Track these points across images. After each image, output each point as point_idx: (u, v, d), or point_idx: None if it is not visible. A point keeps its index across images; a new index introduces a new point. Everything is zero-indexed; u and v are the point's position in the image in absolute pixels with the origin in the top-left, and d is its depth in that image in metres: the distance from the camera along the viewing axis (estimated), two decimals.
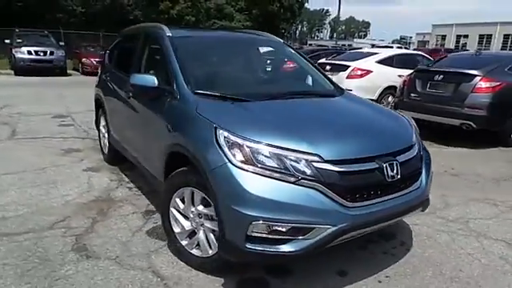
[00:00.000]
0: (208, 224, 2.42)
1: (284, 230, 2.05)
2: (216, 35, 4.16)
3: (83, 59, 16.13)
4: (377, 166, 2.21)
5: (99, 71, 5.05)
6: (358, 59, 8.53)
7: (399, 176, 2.28)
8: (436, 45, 46.71)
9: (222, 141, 2.17)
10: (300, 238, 2.06)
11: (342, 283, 2.49)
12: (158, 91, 2.89)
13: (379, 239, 3.01)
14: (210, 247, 2.45)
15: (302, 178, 2.04)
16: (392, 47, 23.32)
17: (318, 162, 2.08)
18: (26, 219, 3.19)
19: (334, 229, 2.06)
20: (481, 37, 45.03)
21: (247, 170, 2.06)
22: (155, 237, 3.00)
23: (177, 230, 2.64)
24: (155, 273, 2.52)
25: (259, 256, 2.11)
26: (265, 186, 2.03)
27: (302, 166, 2.06)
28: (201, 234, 2.50)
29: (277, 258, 2.17)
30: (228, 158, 2.11)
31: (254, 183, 2.04)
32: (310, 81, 3.47)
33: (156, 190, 3.77)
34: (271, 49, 3.87)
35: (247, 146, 2.11)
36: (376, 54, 8.76)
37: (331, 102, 3.05)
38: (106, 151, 4.69)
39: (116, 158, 4.52)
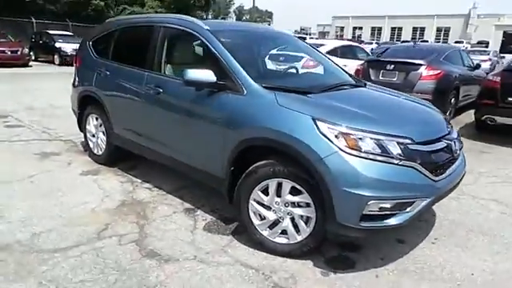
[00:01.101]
0: (299, 211, 2.54)
1: (390, 206, 2.31)
2: (245, 28, 4.11)
3: None
4: (447, 143, 2.60)
5: (77, 65, 4.60)
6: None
7: (458, 151, 2.71)
8: (336, 36, 50.78)
9: (326, 131, 2.32)
10: (404, 211, 2.35)
11: (404, 248, 2.85)
12: (215, 86, 2.85)
13: None
14: (298, 233, 2.58)
15: (402, 159, 2.31)
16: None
17: (411, 144, 2.37)
18: (62, 232, 2.88)
19: (428, 200, 2.40)
20: (372, 29, 50.23)
21: (357, 156, 2.26)
22: (217, 232, 2.99)
23: (257, 222, 2.70)
24: (245, 265, 2.57)
25: (369, 232, 2.35)
26: (375, 169, 2.25)
27: (399, 149, 2.32)
28: (286, 223, 2.61)
29: (382, 231, 2.43)
30: (338, 147, 2.27)
31: (365, 167, 2.25)
32: (337, 72, 3.73)
33: (187, 187, 3.73)
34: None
35: (352, 134, 2.30)
36: (323, 45, 9.37)
37: (374, 91, 3.38)
38: (99, 152, 4.33)
39: (114, 158, 4.24)
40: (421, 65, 6.79)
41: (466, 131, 6.58)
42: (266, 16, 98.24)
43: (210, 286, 2.34)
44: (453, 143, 2.67)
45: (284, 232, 2.64)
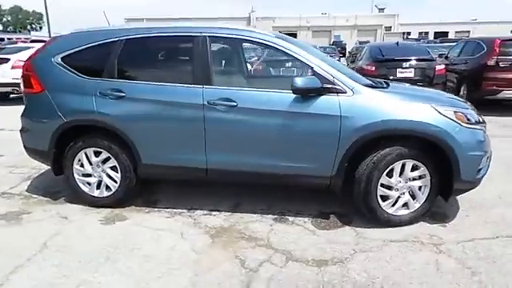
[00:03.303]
0: (417, 183, 3.07)
1: (488, 158, 3.15)
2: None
3: None
4: None
5: (35, 90, 3.48)
6: None
7: None
8: None
9: (446, 113, 2.93)
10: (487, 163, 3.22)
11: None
12: (320, 91, 2.98)
13: None
14: (416, 202, 3.12)
15: (480, 124, 3.15)
16: None
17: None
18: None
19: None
20: None
21: (469, 127, 2.97)
22: (335, 227, 3.16)
23: (383, 203, 3.08)
24: (395, 241, 2.93)
25: (479, 182, 3.11)
26: (479, 134, 3.03)
27: (477, 117, 3.15)
28: (406, 196, 3.10)
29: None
30: (458, 123, 2.92)
31: (475, 133, 3.00)
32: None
33: (241, 200, 3.60)
34: None
35: (459, 112, 2.99)
36: None
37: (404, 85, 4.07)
38: (104, 193, 3.50)
39: (131, 195, 3.56)
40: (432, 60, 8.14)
41: None
42: (35, 18, 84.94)
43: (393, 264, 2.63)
44: None
45: (405, 205, 3.12)
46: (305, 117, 3.03)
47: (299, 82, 2.90)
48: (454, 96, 3.68)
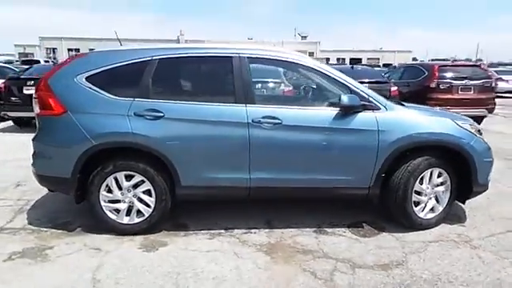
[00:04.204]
0: (441, 188, 3.45)
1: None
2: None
3: None
4: None
5: (56, 111, 3.20)
6: None
7: None
8: (49, 58, 45.77)
9: (464, 126, 3.40)
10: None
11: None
12: (360, 107, 3.24)
13: None
14: (440, 205, 3.50)
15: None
16: None
17: None
18: None
19: None
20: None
21: (480, 138, 3.46)
22: (374, 235, 3.39)
23: (416, 208, 3.40)
24: (433, 241, 3.24)
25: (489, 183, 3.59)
26: (487, 143, 3.52)
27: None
28: (432, 201, 3.47)
29: None
30: (474, 134, 3.40)
31: (485, 143, 3.49)
32: None
33: (288, 215, 3.69)
34: None
35: (472, 125, 3.48)
36: None
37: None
38: (134, 219, 3.30)
39: (164, 219, 3.41)
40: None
41: None
42: None
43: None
44: None
45: (431, 209, 3.48)
46: (346, 132, 3.26)
47: (346, 99, 3.14)
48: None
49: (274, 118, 3.20)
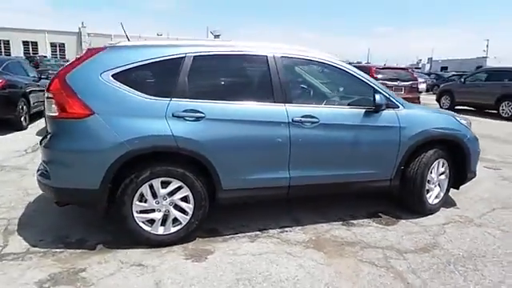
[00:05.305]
0: (443, 177, 3.91)
1: None
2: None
3: None
4: None
5: (82, 112, 2.80)
6: None
7: None
8: None
9: (462, 122, 3.90)
10: None
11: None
12: (384, 106, 3.48)
13: None
14: (441, 192, 3.96)
15: None
16: None
17: None
18: None
19: None
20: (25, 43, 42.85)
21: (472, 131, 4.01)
22: (393, 224, 3.68)
23: (427, 195, 3.79)
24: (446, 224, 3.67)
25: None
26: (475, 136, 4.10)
27: None
28: (437, 188, 3.91)
29: None
30: (469, 128, 3.92)
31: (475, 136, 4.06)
32: None
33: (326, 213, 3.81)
34: None
35: (464, 120, 4.01)
36: None
37: None
38: (171, 229, 3.06)
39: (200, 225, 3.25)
40: None
41: None
42: None
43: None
44: None
45: (437, 196, 3.91)
46: (374, 129, 3.49)
47: (378, 98, 3.37)
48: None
49: (312, 116, 3.27)
